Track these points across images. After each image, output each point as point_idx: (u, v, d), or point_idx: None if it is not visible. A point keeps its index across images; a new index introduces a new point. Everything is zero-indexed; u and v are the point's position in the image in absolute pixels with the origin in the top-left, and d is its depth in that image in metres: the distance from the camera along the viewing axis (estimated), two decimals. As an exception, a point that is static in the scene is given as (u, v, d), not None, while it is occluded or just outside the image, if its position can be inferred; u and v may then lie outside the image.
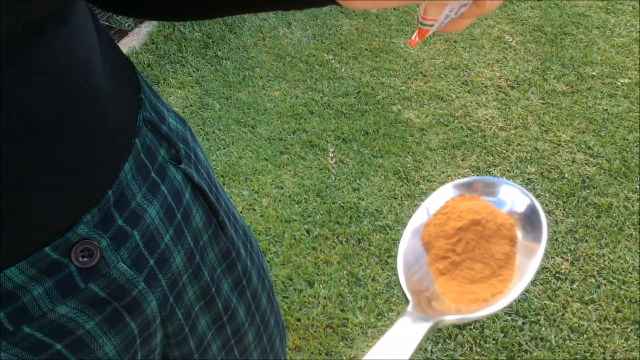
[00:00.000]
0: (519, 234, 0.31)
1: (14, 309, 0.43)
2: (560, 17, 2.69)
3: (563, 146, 2.08)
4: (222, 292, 0.65)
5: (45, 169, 0.41)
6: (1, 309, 0.42)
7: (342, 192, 1.98)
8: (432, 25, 0.39)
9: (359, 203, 1.93)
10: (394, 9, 2.83)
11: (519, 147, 2.09)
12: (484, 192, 0.34)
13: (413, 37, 0.41)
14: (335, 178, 2.03)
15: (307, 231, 1.86)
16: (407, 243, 0.33)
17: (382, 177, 2.02)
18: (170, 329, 0.57)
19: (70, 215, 0.44)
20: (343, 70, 2.51)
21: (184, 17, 0.59)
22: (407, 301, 0.29)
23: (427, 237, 0.32)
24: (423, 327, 0.27)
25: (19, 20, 0.36)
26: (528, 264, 0.30)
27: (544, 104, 2.26)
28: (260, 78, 2.49)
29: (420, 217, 0.34)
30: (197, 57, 2.62)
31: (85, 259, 0.45)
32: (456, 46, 2.58)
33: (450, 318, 0.28)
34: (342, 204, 1.94)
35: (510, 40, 2.60)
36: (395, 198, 1.95)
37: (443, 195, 0.34)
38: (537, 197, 1.91)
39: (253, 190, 2.01)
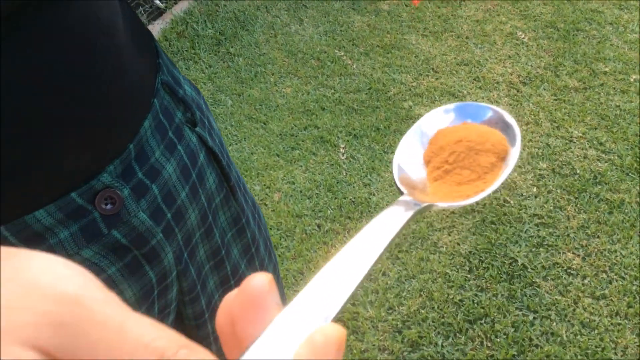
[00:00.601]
0: (510, 148, 0.37)
1: (41, 250, 0.45)
2: (572, 13, 2.68)
3: (575, 142, 2.07)
4: (232, 256, 0.68)
5: (71, 119, 0.45)
6: (30, 249, 0.45)
7: (353, 187, 1.99)
8: None
9: (370, 198, 1.94)
10: (405, 5, 2.83)
11: (531, 143, 2.09)
12: (471, 115, 0.40)
13: None
14: (346, 173, 2.04)
15: (319, 226, 1.88)
16: (406, 156, 0.38)
17: (387, 170, 2.03)
18: (184, 284, 0.60)
19: (95, 164, 0.48)
20: (354, 66, 2.51)
21: None
22: (400, 193, 0.34)
23: (428, 156, 0.38)
24: (416, 207, 0.31)
25: None
26: (507, 169, 0.36)
27: (555, 100, 2.26)
28: (272, 74, 2.50)
29: (415, 134, 0.40)
30: (210, 53, 2.64)
31: (108, 207, 0.49)
32: (468, 42, 2.58)
33: (440, 205, 0.34)
34: (353, 199, 1.94)
35: (523, 36, 2.60)
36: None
37: (436, 119, 0.39)
38: (548, 192, 1.91)
39: (265, 185, 2.02)
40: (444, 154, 0.37)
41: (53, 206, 0.46)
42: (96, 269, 0.49)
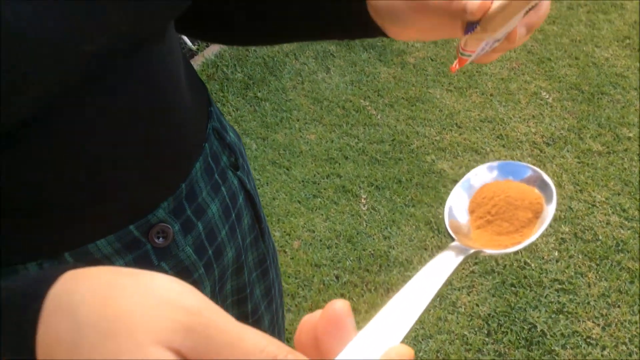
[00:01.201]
0: (546, 206, 0.41)
1: None
2: (597, 77, 2.71)
3: (597, 207, 2.07)
4: (254, 295, 0.73)
5: (137, 160, 0.49)
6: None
7: (373, 239, 1.99)
8: (470, 56, 0.46)
9: (389, 252, 1.94)
10: (431, 59, 2.87)
11: (553, 205, 2.08)
12: (512, 174, 0.44)
13: (454, 64, 0.48)
14: (366, 225, 2.05)
15: (337, 277, 1.87)
16: (454, 204, 0.43)
17: (414, 226, 2.03)
18: None
19: (151, 200, 0.52)
20: (379, 117, 2.54)
21: (252, 43, 0.71)
22: (452, 239, 0.39)
23: (472, 207, 0.42)
24: (466, 252, 0.36)
25: (130, 37, 0.44)
26: (542, 225, 0.40)
27: (579, 162, 2.26)
28: (297, 120, 2.54)
29: (463, 186, 0.44)
30: (238, 97, 2.68)
31: (160, 240, 0.53)
32: (492, 100, 2.61)
33: (487, 251, 0.38)
34: (372, 252, 1.94)
35: (547, 96, 2.62)
36: (425, 249, 1.95)
37: (482, 174, 0.44)
38: (570, 257, 1.90)
39: (285, 232, 2.03)
40: (487, 206, 0.42)
41: (113, 237, 0.50)
42: None
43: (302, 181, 2.24)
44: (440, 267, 0.35)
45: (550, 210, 0.41)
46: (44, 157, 0.44)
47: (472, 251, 0.38)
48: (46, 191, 0.45)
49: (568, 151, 2.32)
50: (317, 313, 0.28)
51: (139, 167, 0.50)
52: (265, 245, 0.73)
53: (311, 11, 0.57)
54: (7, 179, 0.43)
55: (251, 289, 0.71)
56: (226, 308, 0.67)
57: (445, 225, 0.42)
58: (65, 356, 0.26)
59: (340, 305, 0.27)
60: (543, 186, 0.42)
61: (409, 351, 0.26)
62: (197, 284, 0.58)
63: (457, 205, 0.44)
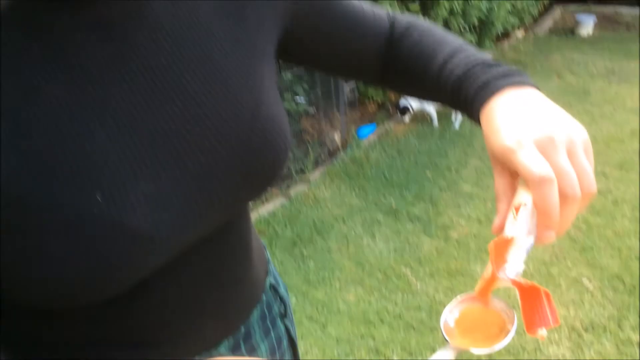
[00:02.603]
0: (509, 326, 0.53)
1: None
2: (640, 269, 2.72)
3: (637, 399, 1.99)
4: None
5: (216, 308, 0.62)
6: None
7: (401, 405, 1.96)
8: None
9: (416, 420, 1.90)
10: (474, 236, 2.98)
11: (589, 392, 2.03)
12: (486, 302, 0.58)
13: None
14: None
15: None
16: (446, 318, 0.56)
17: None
18: None
19: (217, 338, 0.64)
20: (418, 285, 2.61)
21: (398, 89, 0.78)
22: (446, 341, 0.52)
23: (458, 322, 0.56)
24: (457, 350, 0.50)
25: (226, 219, 0.57)
26: (506, 338, 0.52)
27: (617, 352, 2.22)
28: (339, 280, 2.63)
29: (453, 305, 0.58)
30: (284, 252, 2.83)
31: None
32: (533, 281, 2.64)
33: (472, 350, 0.51)
34: (398, 418, 1.91)
35: (588, 284, 2.64)
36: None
37: (465, 299, 0.58)
38: None
39: (313, 387, 2.04)
40: (467, 322, 0.56)
41: None
42: None
43: (337, 339, 2.27)
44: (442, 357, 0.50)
45: (512, 329, 0.53)
46: (146, 305, 0.56)
47: (462, 348, 0.52)
48: (143, 329, 0.57)
49: (607, 339, 2.29)
50: None
51: (215, 313, 0.63)
52: None
53: (435, 96, 0.67)
54: (118, 317, 0.55)
55: None
56: None
57: (441, 331, 0.55)
58: None
59: None
60: (509, 312, 0.55)
61: None
62: None
63: (448, 319, 0.57)
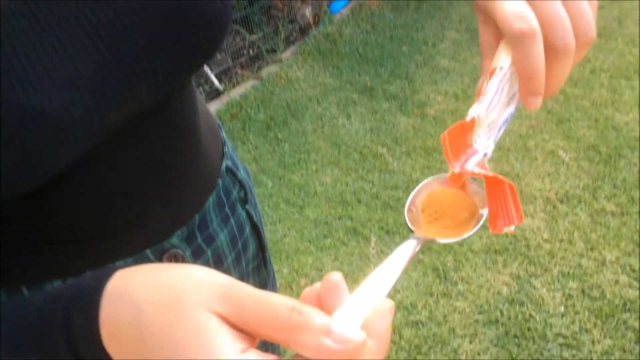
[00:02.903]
0: (481, 210, 0.48)
1: None
2: (616, 139, 2.72)
3: (607, 266, 2.05)
4: None
5: (161, 194, 0.55)
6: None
7: (379, 282, 2.00)
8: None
9: (395, 295, 1.94)
10: (451, 113, 2.93)
11: (563, 261, 2.08)
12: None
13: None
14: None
15: (340, 316, 1.88)
16: (411, 203, 0.51)
17: (421, 272, 2.04)
18: None
19: (168, 229, 0.58)
20: (395, 164, 2.58)
21: None
22: (411, 231, 0.47)
23: (423, 206, 0.51)
24: (422, 241, 0.45)
25: (158, 95, 0.49)
26: (477, 224, 0.47)
27: (591, 221, 2.26)
28: (315, 162, 2.59)
29: (420, 189, 0.52)
30: (258, 136, 2.76)
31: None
32: (509, 155, 2.63)
33: (438, 240, 0.46)
34: (377, 294, 1.95)
35: (564, 155, 2.64)
36: (431, 295, 1.95)
37: (435, 180, 0.52)
38: (575, 313, 1.88)
39: (293, 269, 2.06)
40: (435, 206, 0.50)
41: (131, 259, 0.55)
42: None
43: (314, 221, 2.27)
44: (406, 250, 0.44)
45: (484, 213, 0.47)
46: (81, 195, 0.50)
47: (427, 239, 0.46)
48: (81, 222, 0.51)
49: (581, 209, 2.32)
50: (315, 285, 0.36)
51: (161, 201, 0.56)
52: (267, 272, 0.79)
53: None
54: (50, 212, 0.49)
55: None
56: None
57: (404, 218, 0.49)
58: (127, 332, 0.33)
59: (336, 275, 0.36)
60: (482, 195, 0.49)
61: (390, 303, 0.35)
62: None
63: (414, 204, 0.51)
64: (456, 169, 0.46)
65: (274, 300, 0.31)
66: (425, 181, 0.52)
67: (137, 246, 0.56)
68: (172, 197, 0.57)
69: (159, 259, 0.57)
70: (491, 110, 0.46)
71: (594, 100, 3.02)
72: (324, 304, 0.35)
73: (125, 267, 0.54)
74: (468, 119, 0.46)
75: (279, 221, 2.27)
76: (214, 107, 2.95)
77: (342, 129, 2.82)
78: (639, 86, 3.11)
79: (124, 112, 0.45)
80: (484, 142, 0.49)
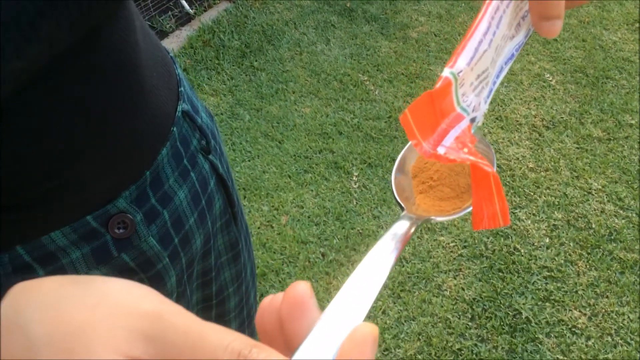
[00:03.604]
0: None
1: (54, 268, 0.48)
2: (604, 60, 2.64)
3: (593, 195, 2.02)
4: (221, 278, 0.71)
5: (94, 148, 0.46)
6: (42, 268, 0.47)
7: (362, 218, 1.96)
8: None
9: (378, 231, 1.91)
10: (435, 35, 2.80)
11: (548, 191, 2.04)
12: None
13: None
14: (356, 203, 2.01)
15: (323, 255, 1.84)
16: (400, 169, 0.43)
17: (404, 207, 1.99)
18: (182, 305, 0.61)
19: (112, 190, 0.49)
20: (377, 93, 2.49)
21: None
22: (401, 208, 0.39)
23: (415, 171, 0.42)
24: (415, 223, 0.36)
25: (77, 27, 0.40)
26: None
27: (578, 148, 2.21)
28: (293, 93, 2.48)
29: (409, 150, 0.43)
30: (233, 65, 2.62)
31: (120, 231, 0.50)
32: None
33: (434, 218, 0.38)
34: (360, 231, 1.91)
35: (550, 79, 2.55)
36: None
37: None
38: (560, 245, 1.86)
39: (273, 206, 2.00)
40: (430, 171, 0.41)
41: (69, 228, 0.47)
42: None
43: (294, 155, 2.20)
44: (395, 241, 0.34)
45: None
46: (7, 160, 0.41)
47: (422, 219, 0.38)
48: (3, 185, 0.43)
49: (567, 136, 2.26)
50: (278, 296, 0.28)
51: (99, 157, 0.47)
52: (238, 229, 0.70)
53: None
54: None
55: (217, 272, 0.70)
56: (191, 292, 0.65)
57: (394, 196, 0.41)
58: None
59: (302, 288, 0.27)
60: (487, 151, 0.40)
61: (373, 328, 0.26)
62: (160, 275, 0.55)
63: (402, 170, 0.43)
64: (425, 149, 0.36)
65: (213, 340, 0.24)
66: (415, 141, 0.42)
67: (75, 213, 0.47)
68: (112, 151, 0.48)
69: (104, 225, 0.49)
70: (480, 57, 0.37)
71: (582, 18, 2.91)
72: (287, 328, 0.27)
73: (60, 239, 0.47)
74: (439, 84, 0.36)
75: (258, 156, 2.19)
76: (185, 33, 2.79)
77: (321, 55, 2.69)
78: (628, 3, 2.99)
79: (31, 56, 0.37)
80: (472, 102, 0.38)
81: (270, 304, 0.28)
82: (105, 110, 0.46)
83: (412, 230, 0.36)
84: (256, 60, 2.65)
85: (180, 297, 0.61)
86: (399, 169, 0.43)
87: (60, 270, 0.48)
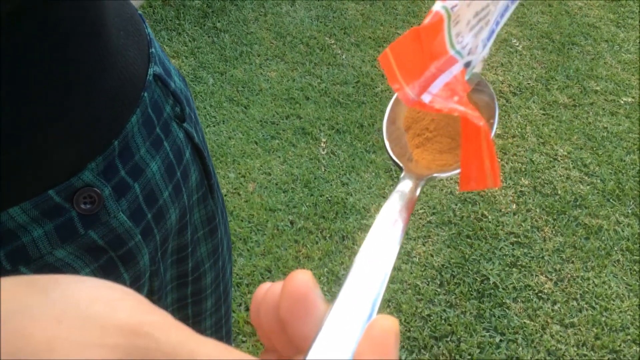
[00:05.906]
0: (490, 120, 0.36)
1: (13, 248, 0.44)
2: (569, 26, 2.64)
3: (559, 161, 2.04)
4: (197, 254, 0.68)
5: (55, 115, 0.42)
6: (1, 247, 0.43)
7: (331, 185, 1.93)
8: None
9: (347, 198, 1.89)
10: (402, -2, 2.75)
11: (515, 157, 2.05)
12: None
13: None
14: (325, 170, 1.98)
15: (291, 222, 1.82)
16: (390, 123, 0.38)
17: (373, 173, 1.98)
18: (155, 284, 0.58)
19: (76, 161, 0.45)
20: (344, 57, 2.44)
21: None
22: (400, 168, 0.34)
23: (407, 122, 0.37)
24: (419, 184, 0.32)
25: None
26: None
27: (544, 114, 2.22)
28: (258, 56, 2.41)
29: (397, 100, 0.38)
30: (195, 26, 2.53)
31: (87, 206, 0.46)
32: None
33: (437, 175, 0.33)
34: (329, 198, 1.89)
35: (517, 44, 2.55)
36: (384, 197, 1.90)
37: None
38: (527, 211, 1.88)
39: (240, 174, 1.95)
40: (425, 121, 0.36)
41: (29, 203, 0.43)
42: (69, 270, 0.47)
43: (261, 121, 2.14)
44: (401, 204, 0.29)
45: (493, 123, 0.35)
46: None
47: (426, 177, 0.33)
48: None
49: (534, 102, 2.27)
50: (274, 288, 0.23)
51: (60, 125, 0.43)
52: (215, 202, 0.67)
53: None
54: None
55: (193, 248, 0.66)
56: (165, 268, 0.62)
57: (389, 155, 0.35)
58: None
59: (303, 280, 0.22)
60: (490, 98, 0.36)
61: (393, 322, 0.22)
62: (132, 253, 0.52)
63: (392, 125, 0.37)
64: (408, 95, 0.31)
65: (204, 357, 0.20)
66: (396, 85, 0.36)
67: (35, 187, 0.43)
68: (75, 118, 0.44)
69: (69, 200, 0.45)
70: None
71: (549, -17, 2.90)
72: (290, 329, 0.23)
73: (20, 215, 0.42)
74: (429, 19, 0.31)
75: (223, 122, 2.13)
76: (143, -8, 2.67)
77: (286, 17, 2.62)
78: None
79: None
80: (468, 44, 0.34)
81: (265, 298, 0.23)
82: (67, 73, 0.42)
83: (417, 193, 0.31)
84: (219, 21, 2.56)
85: (153, 276, 0.57)
86: (390, 121, 0.38)
87: (21, 249, 0.44)
